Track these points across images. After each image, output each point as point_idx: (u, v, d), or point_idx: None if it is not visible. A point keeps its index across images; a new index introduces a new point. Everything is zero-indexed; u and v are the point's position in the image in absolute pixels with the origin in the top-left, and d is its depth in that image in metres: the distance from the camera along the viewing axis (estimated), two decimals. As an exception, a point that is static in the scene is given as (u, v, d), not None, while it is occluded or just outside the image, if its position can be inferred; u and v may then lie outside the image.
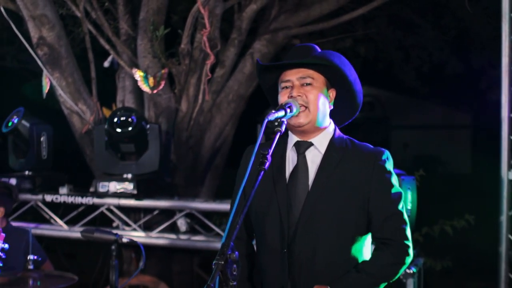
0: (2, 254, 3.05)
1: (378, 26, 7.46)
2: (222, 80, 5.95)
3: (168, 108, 5.72)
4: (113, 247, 3.59)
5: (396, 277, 2.67)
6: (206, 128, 5.94)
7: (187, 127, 5.83)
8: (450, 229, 5.91)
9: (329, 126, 2.75)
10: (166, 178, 5.67)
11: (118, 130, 5.18)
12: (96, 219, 5.60)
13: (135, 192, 5.18)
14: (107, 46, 5.76)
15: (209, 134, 5.98)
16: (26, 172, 5.65)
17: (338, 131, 2.78)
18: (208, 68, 5.57)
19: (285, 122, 2.50)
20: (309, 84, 2.67)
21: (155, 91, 5.47)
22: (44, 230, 5.53)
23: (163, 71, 5.48)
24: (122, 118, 5.20)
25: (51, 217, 5.64)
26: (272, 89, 2.83)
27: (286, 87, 2.69)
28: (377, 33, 7.60)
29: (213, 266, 2.06)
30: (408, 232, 2.67)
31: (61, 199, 5.42)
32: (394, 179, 2.70)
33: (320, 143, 2.71)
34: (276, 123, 2.48)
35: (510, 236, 4.54)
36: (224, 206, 5.12)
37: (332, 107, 2.76)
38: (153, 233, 5.33)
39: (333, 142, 2.72)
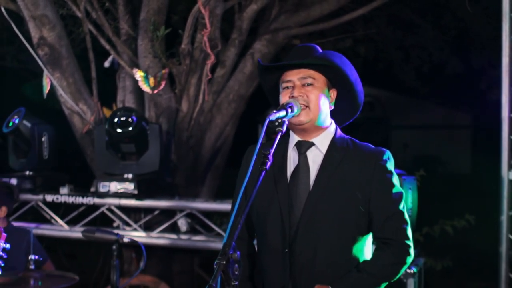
0: (3, 254, 3.06)
1: (378, 26, 7.46)
2: (223, 80, 5.95)
3: (169, 108, 5.72)
4: (114, 247, 3.60)
5: (397, 277, 2.67)
6: (207, 128, 5.94)
7: (187, 127, 5.83)
8: (450, 229, 5.92)
9: (330, 126, 2.76)
10: (166, 178, 5.68)
11: (119, 130, 5.18)
12: (97, 219, 5.60)
13: (135, 192, 5.18)
14: (107, 46, 5.76)
15: (209, 134, 5.98)
16: (27, 172, 5.65)
17: (339, 131, 2.79)
18: (209, 68, 5.58)
19: (286, 122, 2.51)
20: (310, 84, 2.68)
21: (155, 91, 5.47)
22: (44, 230, 5.53)
23: (163, 71, 5.48)
24: (122, 118, 5.21)
25: (51, 217, 5.64)
26: (273, 89, 2.84)
27: (287, 87, 2.70)
28: (377, 33, 7.60)
29: (215, 266, 2.07)
30: (409, 232, 2.67)
31: (61, 199, 5.43)
32: (395, 179, 2.70)
33: (321, 143, 2.72)
34: (278, 123, 2.49)
35: (510, 236, 4.55)
36: (225, 206, 5.13)
37: (333, 107, 2.76)
38: (154, 233, 5.33)
39: (334, 142, 2.72)
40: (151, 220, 5.49)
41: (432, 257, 6.10)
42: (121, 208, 5.40)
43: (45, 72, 5.62)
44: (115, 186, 5.24)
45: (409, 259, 2.65)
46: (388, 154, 2.72)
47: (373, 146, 2.75)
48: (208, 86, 5.78)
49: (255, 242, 2.91)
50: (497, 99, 4.65)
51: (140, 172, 5.35)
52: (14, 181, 5.47)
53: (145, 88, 5.47)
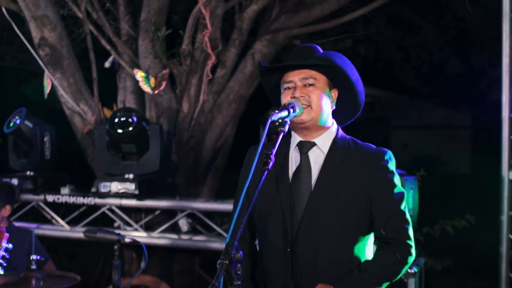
0: (6, 254, 3.06)
1: (378, 26, 7.47)
2: (223, 81, 5.96)
3: (169, 109, 5.73)
4: (115, 247, 3.60)
5: (399, 276, 2.68)
6: (207, 128, 5.95)
7: (188, 127, 5.83)
8: (451, 229, 5.93)
9: (332, 126, 2.77)
10: (167, 178, 5.68)
11: (119, 130, 5.18)
12: (97, 220, 5.61)
13: (136, 192, 5.19)
14: (108, 47, 5.77)
15: (210, 134, 5.99)
16: (28, 172, 5.66)
17: (340, 131, 2.80)
18: (209, 69, 5.58)
19: (288, 122, 2.52)
20: (312, 84, 2.69)
21: (156, 92, 5.47)
22: (45, 230, 5.53)
23: (164, 71, 5.48)
24: (123, 119, 5.21)
25: (52, 217, 5.65)
26: (274, 90, 2.84)
27: (289, 88, 2.71)
28: (377, 33, 7.61)
29: (218, 266, 2.08)
30: (411, 231, 2.68)
31: (62, 199, 5.43)
32: (397, 179, 2.71)
33: (323, 143, 2.72)
34: (280, 123, 2.50)
35: (510, 235, 4.55)
36: (226, 206, 5.13)
37: (334, 107, 2.77)
38: (155, 233, 5.34)
39: (336, 142, 2.73)
40: (151, 220, 5.50)
41: (432, 257, 6.11)
42: (122, 208, 5.40)
43: (46, 72, 5.63)
44: (116, 186, 5.24)
45: (411, 259, 2.66)
46: (389, 154, 2.73)
47: (374, 146, 2.76)
48: (209, 87, 5.79)
49: (256, 242, 2.92)
50: (497, 99, 4.65)
51: (140, 172, 5.35)
52: (15, 181, 5.47)
53: (146, 88, 5.48)
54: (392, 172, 2.70)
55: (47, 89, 5.63)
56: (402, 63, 8.43)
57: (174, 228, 5.55)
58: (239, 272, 2.11)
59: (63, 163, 5.98)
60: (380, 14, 7.26)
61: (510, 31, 4.53)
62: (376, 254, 2.69)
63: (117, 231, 3.77)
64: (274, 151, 2.39)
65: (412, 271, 4.23)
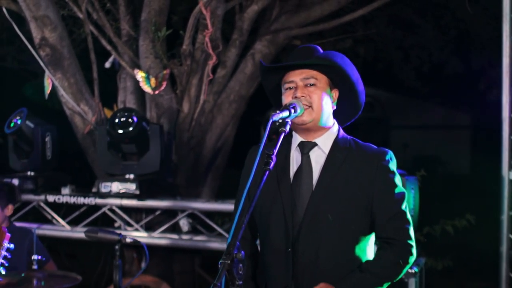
0: (7, 254, 3.07)
1: (378, 26, 7.47)
2: (224, 81, 5.96)
3: (170, 109, 5.73)
4: (116, 247, 3.60)
5: (400, 276, 2.69)
6: (208, 128, 5.96)
7: (188, 127, 5.84)
8: (451, 229, 5.93)
9: (333, 127, 2.77)
10: (167, 178, 5.69)
11: (119, 130, 5.19)
12: (98, 220, 5.62)
13: (137, 192, 5.19)
14: (108, 47, 5.77)
15: (210, 134, 5.99)
16: (28, 173, 5.66)
17: (342, 131, 2.80)
18: (210, 69, 5.59)
19: (290, 123, 2.52)
20: (313, 84, 2.69)
21: (156, 92, 5.47)
22: (46, 230, 5.54)
23: (164, 71, 5.49)
24: (123, 119, 5.22)
25: (53, 218, 5.65)
26: (275, 90, 2.85)
27: (290, 88, 2.71)
28: (377, 33, 7.62)
29: (220, 266, 2.08)
30: (412, 231, 2.69)
31: (63, 199, 5.44)
32: (398, 179, 2.72)
33: (324, 143, 2.73)
34: (280, 124, 2.51)
35: (510, 235, 4.56)
36: (226, 206, 5.14)
37: (335, 107, 2.78)
38: (155, 233, 5.34)
39: (337, 142, 2.74)
40: (152, 220, 5.50)
41: (432, 257, 6.11)
42: (123, 208, 5.41)
43: (47, 72, 5.63)
44: (116, 187, 5.25)
45: (412, 259, 2.67)
46: (390, 154, 2.74)
47: (375, 147, 2.77)
48: (209, 87, 5.80)
49: (257, 242, 2.93)
50: (496, 99, 4.66)
51: (140, 173, 5.36)
52: (15, 181, 5.48)
53: (146, 88, 5.48)
54: (393, 172, 2.71)
55: (48, 89, 5.63)
56: (402, 63, 8.44)
57: (175, 228, 5.56)
58: (240, 272, 2.12)
59: (64, 163, 5.99)
60: (380, 14, 7.26)
61: (510, 32, 4.54)
62: (377, 254, 2.70)
63: (118, 231, 3.78)
64: (276, 151, 2.39)
65: (413, 271, 4.24)
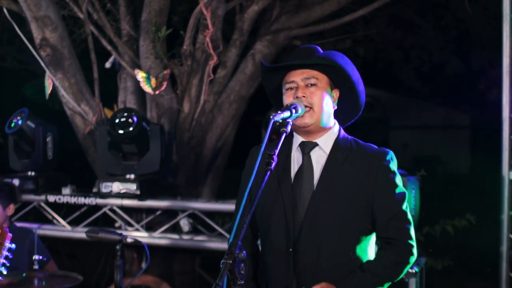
0: (9, 254, 3.07)
1: (378, 26, 7.48)
2: (224, 81, 5.97)
3: (170, 109, 5.74)
4: (117, 247, 3.61)
5: (401, 276, 2.70)
6: (208, 128, 5.96)
7: (189, 127, 5.84)
8: (451, 229, 5.94)
9: (334, 127, 2.78)
10: (168, 178, 5.69)
11: (119, 131, 5.19)
12: (98, 220, 5.62)
13: (138, 192, 5.20)
14: (109, 47, 5.78)
15: (210, 134, 6.00)
16: (29, 173, 5.67)
17: (342, 131, 2.81)
18: (211, 69, 5.60)
19: (291, 123, 2.53)
20: (314, 84, 2.70)
21: (157, 92, 5.48)
22: (46, 230, 5.54)
23: (165, 72, 5.49)
24: (123, 119, 5.22)
25: (53, 218, 5.66)
26: (275, 90, 2.85)
27: (291, 88, 2.72)
28: (377, 33, 7.62)
29: (221, 265, 2.09)
30: (412, 231, 2.69)
31: (64, 199, 5.45)
32: (398, 179, 2.72)
33: (325, 143, 2.74)
34: (281, 124, 2.51)
35: (511, 235, 4.57)
36: (227, 207, 5.15)
37: (336, 107, 2.79)
38: (156, 233, 5.35)
39: (337, 142, 2.74)
40: (152, 220, 5.51)
41: (432, 257, 6.11)
42: (123, 208, 5.41)
43: (47, 73, 5.63)
44: (117, 187, 5.25)
45: (412, 259, 2.68)
46: (391, 154, 2.74)
47: (376, 147, 2.78)
48: (209, 87, 5.80)
49: (258, 242, 2.93)
50: (496, 99, 4.67)
51: (141, 173, 5.36)
52: (16, 181, 5.48)
53: (147, 89, 5.48)
54: (393, 172, 2.72)
55: (49, 89, 5.63)
56: (402, 63, 8.44)
57: (175, 228, 5.56)
58: (242, 272, 2.12)
59: (64, 163, 5.99)
60: (380, 14, 7.27)
61: (510, 32, 4.55)
62: (378, 254, 2.71)
63: (118, 231, 3.79)
64: (277, 151, 2.40)
65: (413, 271, 4.25)
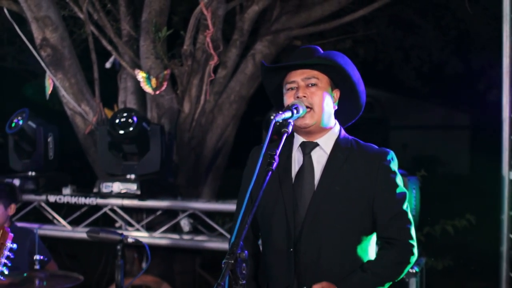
0: (10, 254, 3.08)
1: (378, 26, 7.48)
2: (224, 81, 5.97)
3: (171, 109, 5.74)
4: (118, 247, 3.61)
5: (401, 276, 2.70)
6: (208, 129, 5.97)
7: (189, 128, 5.85)
8: (451, 229, 5.94)
9: (335, 127, 2.78)
10: (168, 178, 5.70)
11: (119, 131, 5.20)
12: (99, 220, 5.62)
13: (138, 192, 5.20)
14: (109, 47, 5.78)
15: (211, 134, 6.00)
16: (29, 173, 5.67)
17: (343, 131, 2.81)
18: (212, 69, 5.60)
19: (292, 123, 2.53)
20: (314, 84, 2.70)
21: (157, 92, 5.48)
22: (47, 230, 5.55)
23: (165, 72, 5.49)
24: (123, 119, 5.23)
25: (54, 218, 5.66)
26: (276, 91, 2.86)
27: (292, 89, 2.72)
28: (377, 33, 7.63)
29: (223, 265, 2.09)
30: (413, 231, 2.70)
31: (64, 199, 5.45)
32: (399, 179, 2.73)
33: (325, 143, 2.74)
34: (282, 124, 2.51)
35: (511, 235, 4.57)
36: (227, 207, 5.15)
37: (336, 107, 2.79)
38: (156, 233, 5.35)
39: (338, 142, 2.75)
40: (153, 220, 5.52)
41: (433, 257, 6.12)
42: (124, 208, 5.42)
43: (48, 73, 5.64)
44: (118, 187, 5.26)
45: (413, 259, 2.68)
46: (391, 154, 2.75)
47: (377, 147, 2.78)
48: (210, 87, 5.81)
49: (259, 242, 2.94)
50: (496, 99, 4.67)
51: (141, 173, 5.37)
52: (17, 181, 5.49)
53: (147, 89, 5.49)
54: (394, 172, 2.72)
55: (49, 89, 5.63)
56: (402, 63, 8.45)
57: (176, 228, 5.57)
58: (244, 272, 2.13)
59: (65, 163, 6.00)
60: (380, 14, 7.27)
61: (510, 32, 4.55)
62: (378, 254, 2.71)
63: (119, 231, 3.79)
64: (278, 151, 2.40)
65: (414, 271, 4.25)
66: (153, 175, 5.43)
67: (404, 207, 2.69)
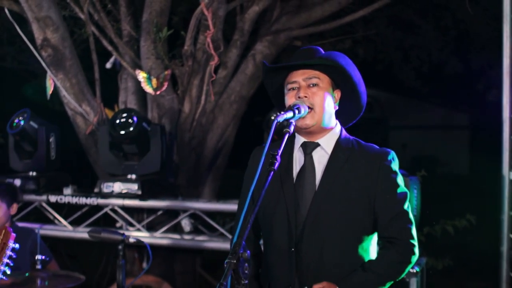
0: (13, 254, 3.09)
1: (378, 27, 7.49)
2: (225, 81, 5.98)
3: (171, 109, 5.75)
4: (120, 247, 3.62)
5: (402, 275, 2.71)
6: (209, 129, 5.98)
7: (189, 128, 5.86)
8: (451, 229, 5.95)
9: (336, 127, 2.79)
10: (169, 178, 5.71)
11: (119, 131, 5.21)
12: (100, 220, 5.63)
13: (139, 192, 5.21)
14: (110, 48, 5.79)
15: (211, 135, 6.01)
16: (30, 173, 5.68)
17: (344, 131, 2.82)
18: (213, 69, 5.61)
19: (294, 123, 2.54)
20: (315, 84, 2.71)
21: (158, 92, 5.49)
22: (48, 230, 5.55)
23: (166, 72, 5.50)
24: (123, 120, 5.24)
25: (55, 218, 5.67)
26: (277, 91, 2.87)
27: (293, 89, 2.73)
28: (376, 34, 7.64)
29: (225, 265, 2.10)
30: (414, 231, 2.71)
31: (65, 199, 5.46)
32: (400, 179, 2.74)
33: (326, 143, 2.75)
34: (284, 124, 2.52)
35: (511, 235, 4.58)
36: (228, 207, 5.16)
37: (337, 108, 2.80)
38: (157, 233, 5.36)
39: (339, 142, 2.76)
40: (154, 220, 5.52)
41: (433, 257, 6.13)
42: (124, 208, 5.42)
43: (49, 73, 5.64)
44: (119, 187, 5.26)
45: (414, 258, 2.69)
46: (392, 154, 2.76)
47: (378, 147, 2.79)
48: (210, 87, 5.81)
49: (261, 242, 2.94)
50: (495, 100, 4.68)
51: (141, 173, 5.37)
52: (18, 181, 5.49)
53: (148, 89, 5.49)
54: (395, 172, 2.73)
55: (50, 89, 5.64)
56: (401, 63, 8.45)
57: (176, 228, 5.58)
58: (246, 272, 2.13)
59: (65, 163, 6.00)
60: (380, 15, 7.28)
61: (510, 32, 4.55)
62: (379, 253, 2.72)
63: (120, 231, 3.80)
64: (280, 151, 2.41)
65: (414, 270, 4.26)
66: (153, 175, 5.43)
67: (405, 207, 2.70)
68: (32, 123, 5.50)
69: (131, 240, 3.71)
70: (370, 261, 2.69)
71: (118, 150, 5.48)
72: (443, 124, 20.47)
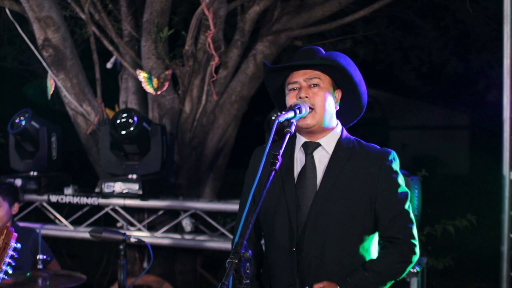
0: (15, 254, 3.09)
1: (379, 27, 7.50)
2: (225, 81, 5.99)
3: (172, 109, 5.76)
4: (121, 246, 3.62)
5: (403, 275, 2.71)
6: (209, 129, 5.98)
7: (190, 128, 5.86)
8: (452, 229, 5.95)
9: (337, 127, 2.80)
10: (170, 178, 5.71)
11: (120, 131, 5.21)
12: (101, 220, 5.64)
13: (140, 192, 5.21)
14: (110, 48, 5.79)
15: (212, 135, 6.02)
16: (31, 173, 5.68)
17: (345, 131, 2.83)
18: (213, 69, 5.61)
19: (295, 123, 2.55)
20: (316, 85, 2.72)
21: (159, 92, 5.50)
22: (49, 230, 5.56)
23: (167, 72, 5.51)
24: (123, 120, 5.24)
25: (56, 218, 5.67)
26: (278, 91, 2.88)
27: (294, 89, 2.74)
28: (377, 34, 7.64)
29: (227, 265, 2.11)
30: (415, 231, 2.71)
31: (66, 199, 5.46)
32: (401, 179, 2.74)
33: (327, 143, 2.76)
34: (284, 124, 2.53)
35: (511, 235, 4.58)
36: (229, 207, 5.16)
37: (338, 108, 2.81)
38: (158, 233, 5.37)
39: (340, 142, 2.76)
40: (154, 220, 5.53)
41: (433, 257, 6.13)
42: (125, 208, 5.43)
43: (50, 73, 5.65)
44: (119, 187, 5.27)
45: (415, 258, 2.70)
46: (393, 154, 2.77)
47: (378, 147, 2.80)
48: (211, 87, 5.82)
49: (262, 241, 2.95)
50: (495, 99, 4.68)
51: (142, 173, 5.38)
52: (19, 181, 5.50)
53: (149, 89, 5.50)
54: (396, 172, 2.74)
55: (51, 89, 5.65)
56: (401, 63, 8.46)
57: (177, 228, 5.58)
58: (248, 271, 2.14)
59: (66, 163, 6.01)
60: (380, 15, 7.28)
61: (511, 33, 4.56)
62: (380, 253, 2.73)
63: (122, 231, 3.81)
64: (281, 151, 2.41)
65: (415, 270, 4.27)
66: (154, 175, 5.44)
67: (406, 206, 2.71)
68: (33, 123, 5.51)
69: (133, 240, 3.72)
70: (371, 260, 2.70)
71: (119, 150, 5.49)
72: (443, 124, 20.47)
